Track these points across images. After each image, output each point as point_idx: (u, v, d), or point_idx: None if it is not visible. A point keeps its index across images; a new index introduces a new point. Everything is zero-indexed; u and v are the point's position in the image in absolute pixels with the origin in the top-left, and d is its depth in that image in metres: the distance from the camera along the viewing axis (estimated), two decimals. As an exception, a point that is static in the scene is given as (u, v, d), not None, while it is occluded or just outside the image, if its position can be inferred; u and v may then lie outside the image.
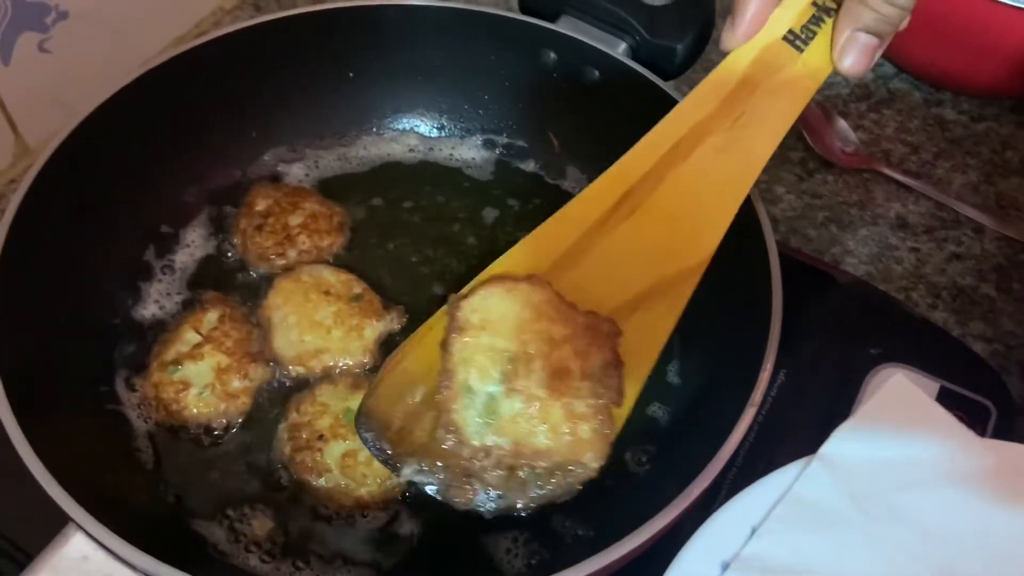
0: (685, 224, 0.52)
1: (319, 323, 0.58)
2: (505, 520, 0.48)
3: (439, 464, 0.46)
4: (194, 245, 0.64)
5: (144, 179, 0.63)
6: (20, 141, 0.77)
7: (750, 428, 0.60)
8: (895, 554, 0.42)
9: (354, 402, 0.55)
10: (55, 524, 0.43)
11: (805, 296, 0.62)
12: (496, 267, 0.51)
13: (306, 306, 0.59)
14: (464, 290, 0.49)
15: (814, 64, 0.54)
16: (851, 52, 0.52)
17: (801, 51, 0.54)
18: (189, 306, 0.61)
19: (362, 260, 0.65)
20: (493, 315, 0.47)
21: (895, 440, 0.45)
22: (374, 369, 0.58)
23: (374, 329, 0.59)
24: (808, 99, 0.54)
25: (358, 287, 0.61)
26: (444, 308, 0.49)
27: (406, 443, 0.47)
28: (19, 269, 0.51)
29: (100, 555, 0.41)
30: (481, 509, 0.46)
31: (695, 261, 0.51)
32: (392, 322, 0.60)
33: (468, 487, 0.45)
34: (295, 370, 0.57)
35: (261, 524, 0.52)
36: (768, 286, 0.51)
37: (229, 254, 0.64)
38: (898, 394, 0.47)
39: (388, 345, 0.59)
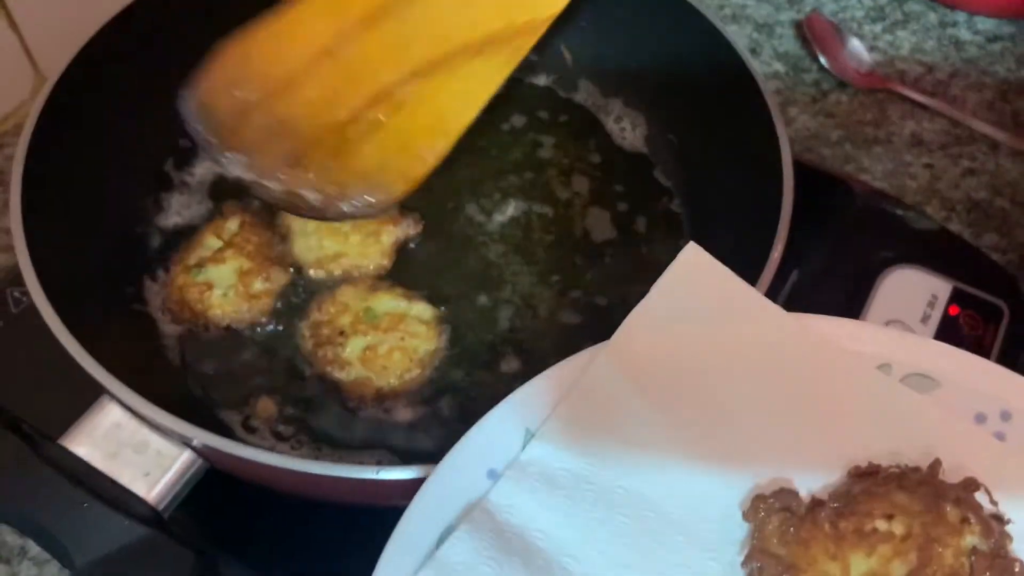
0: None
1: (337, 229, 0.60)
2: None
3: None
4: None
5: (159, 96, 0.64)
6: (39, 75, 0.78)
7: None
8: (699, 452, 0.36)
9: (374, 302, 0.57)
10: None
11: (820, 202, 0.63)
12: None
13: None
14: None
15: None
16: None
17: None
18: (210, 215, 0.62)
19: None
20: None
21: (691, 319, 0.38)
22: (392, 274, 0.60)
23: (391, 234, 0.61)
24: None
25: None
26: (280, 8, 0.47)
27: (231, 137, 0.48)
28: (42, 178, 0.52)
29: (134, 423, 0.42)
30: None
31: (547, 14, 0.48)
32: (408, 228, 0.62)
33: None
34: (316, 273, 0.59)
35: (283, 414, 0.54)
36: (777, 155, 0.52)
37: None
38: (693, 267, 0.39)
39: (405, 250, 0.61)
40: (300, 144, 0.48)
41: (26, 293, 0.58)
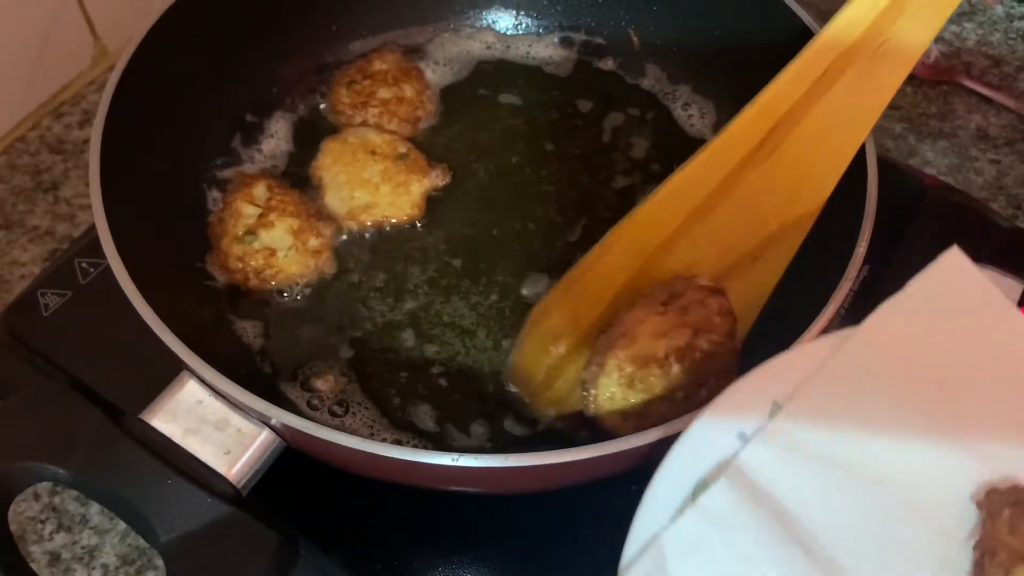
0: (811, 166, 0.50)
1: (367, 180, 0.60)
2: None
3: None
4: (278, 136, 0.65)
5: (226, 74, 0.64)
6: (99, 44, 0.78)
7: (831, 319, 0.60)
8: (939, 440, 0.39)
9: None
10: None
11: (889, 196, 0.61)
12: (641, 211, 0.50)
13: (354, 165, 0.61)
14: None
15: None
16: None
17: None
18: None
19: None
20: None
21: (943, 320, 0.40)
22: (423, 223, 0.61)
23: (421, 185, 0.62)
24: (949, 14, 0.49)
25: (403, 146, 0.63)
26: (584, 259, 0.51)
27: (547, 395, 0.51)
28: (117, 158, 0.52)
29: (214, 400, 0.42)
30: None
31: (812, 206, 0.49)
32: (437, 178, 0.62)
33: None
34: (348, 225, 0.60)
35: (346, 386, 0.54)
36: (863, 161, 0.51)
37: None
38: (951, 270, 0.41)
39: (434, 200, 0.63)
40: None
41: (94, 264, 0.59)
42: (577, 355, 0.51)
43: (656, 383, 0.47)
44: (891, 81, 0.50)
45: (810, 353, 0.40)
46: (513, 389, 0.53)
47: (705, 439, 0.39)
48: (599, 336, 0.50)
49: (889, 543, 0.37)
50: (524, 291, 0.59)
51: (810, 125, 0.50)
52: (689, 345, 0.47)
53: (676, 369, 0.47)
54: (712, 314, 0.48)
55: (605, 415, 0.48)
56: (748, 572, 0.36)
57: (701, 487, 0.38)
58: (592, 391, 0.48)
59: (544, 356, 0.51)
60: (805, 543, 0.37)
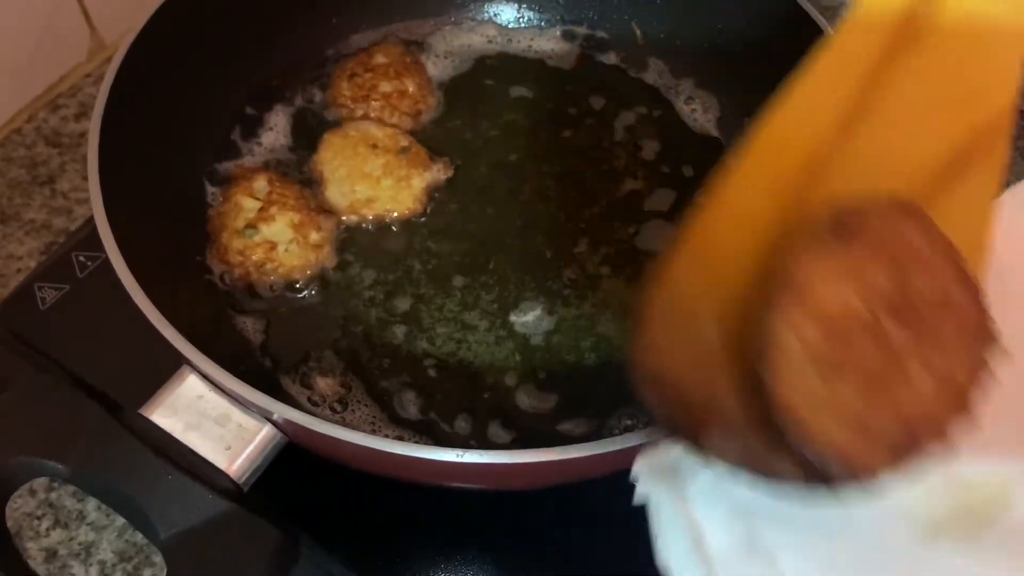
0: (989, 44, 0.37)
1: (369, 174, 0.60)
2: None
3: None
4: (278, 129, 0.65)
5: (225, 67, 0.63)
6: (96, 36, 0.78)
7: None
8: None
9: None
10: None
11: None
12: (763, 133, 0.37)
13: (355, 159, 0.60)
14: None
15: None
16: None
17: None
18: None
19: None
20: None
21: None
22: (424, 216, 0.61)
23: (422, 179, 0.61)
24: None
25: (404, 140, 0.62)
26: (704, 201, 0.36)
27: (699, 404, 0.33)
28: (115, 151, 0.51)
29: (215, 395, 0.42)
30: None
31: (1005, 99, 0.36)
32: (439, 172, 0.62)
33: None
34: (349, 219, 0.60)
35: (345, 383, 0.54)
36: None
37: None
38: None
39: (435, 195, 0.62)
40: None
41: (92, 258, 0.59)
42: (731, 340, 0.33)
43: (870, 357, 0.28)
44: None
45: None
46: (652, 404, 0.34)
47: None
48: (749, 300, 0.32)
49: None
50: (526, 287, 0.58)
51: None
52: (900, 289, 0.29)
53: (893, 329, 0.28)
54: (918, 244, 0.31)
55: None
56: None
57: None
58: (766, 374, 0.29)
59: (682, 344, 0.34)
60: None
